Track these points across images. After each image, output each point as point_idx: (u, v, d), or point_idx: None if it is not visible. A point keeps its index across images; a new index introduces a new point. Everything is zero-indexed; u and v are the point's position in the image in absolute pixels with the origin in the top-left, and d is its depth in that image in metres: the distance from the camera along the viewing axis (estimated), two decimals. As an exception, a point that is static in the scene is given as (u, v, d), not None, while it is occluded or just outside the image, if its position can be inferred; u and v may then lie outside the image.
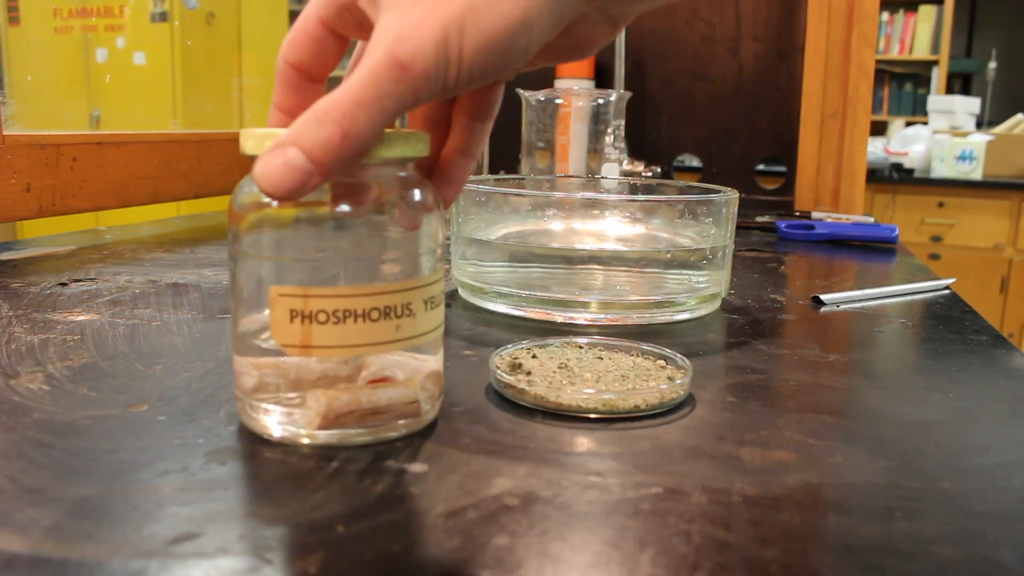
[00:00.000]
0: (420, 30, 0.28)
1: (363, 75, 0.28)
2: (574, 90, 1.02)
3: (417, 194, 0.33)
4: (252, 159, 0.33)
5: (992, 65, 3.49)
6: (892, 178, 2.77)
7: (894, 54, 3.47)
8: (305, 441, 0.28)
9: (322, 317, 0.27)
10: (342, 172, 0.28)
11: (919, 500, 0.25)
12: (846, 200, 1.07)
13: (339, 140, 0.28)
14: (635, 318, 0.47)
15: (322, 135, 0.28)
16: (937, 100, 3.19)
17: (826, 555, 0.23)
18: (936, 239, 2.75)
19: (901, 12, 3.46)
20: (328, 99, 0.28)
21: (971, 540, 0.23)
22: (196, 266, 0.59)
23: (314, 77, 0.33)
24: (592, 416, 0.32)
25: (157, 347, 0.38)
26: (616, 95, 0.94)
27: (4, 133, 0.62)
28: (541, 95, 0.93)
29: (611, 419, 0.32)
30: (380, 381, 0.30)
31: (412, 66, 0.28)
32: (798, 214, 0.98)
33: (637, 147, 1.23)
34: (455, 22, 0.28)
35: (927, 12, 3.43)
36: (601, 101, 0.94)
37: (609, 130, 0.94)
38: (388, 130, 0.31)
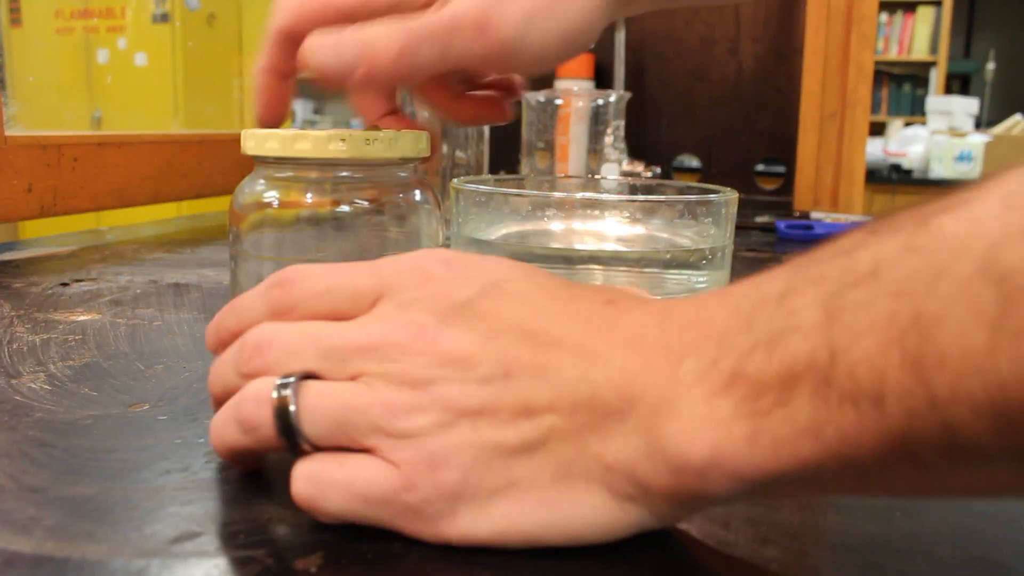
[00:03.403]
0: (512, 3, 0.30)
1: (446, 16, 0.30)
2: (574, 91, 1.02)
3: (417, 194, 0.33)
4: (254, 159, 0.33)
5: (990, 66, 3.49)
6: (891, 179, 2.77)
7: (893, 55, 3.47)
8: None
9: (323, 317, 0.27)
10: (377, 86, 0.30)
11: (919, 500, 0.25)
12: (845, 200, 1.07)
13: (396, 52, 0.29)
14: (635, 318, 0.47)
15: (385, 40, 0.29)
16: (936, 101, 3.19)
17: (826, 555, 0.23)
18: (936, 240, 2.75)
19: (900, 13, 3.46)
20: (403, 18, 0.29)
21: (971, 540, 0.23)
22: (197, 266, 0.59)
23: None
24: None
25: (158, 347, 0.39)
26: (616, 96, 0.94)
27: (6, 134, 0.62)
28: (541, 95, 0.93)
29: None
30: None
31: (494, 32, 0.30)
32: (797, 214, 0.98)
33: (637, 147, 1.23)
34: (541, 8, 0.31)
35: (926, 13, 3.43)
36: (601, 102, 0.94)
37: (609, 130, 0.94)
38: (390, 131, 0.31)
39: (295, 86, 0.34)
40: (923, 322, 0.15)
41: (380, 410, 0.21)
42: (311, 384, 0.22)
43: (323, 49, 0.29)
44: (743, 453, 0.18)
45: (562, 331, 0.22)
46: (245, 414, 0.23)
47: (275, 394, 0.22)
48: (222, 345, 0.26)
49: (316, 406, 0.22)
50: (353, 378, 0.22)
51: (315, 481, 0.21)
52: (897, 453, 0.16)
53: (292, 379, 0.22)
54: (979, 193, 0.17)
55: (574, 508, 0.21)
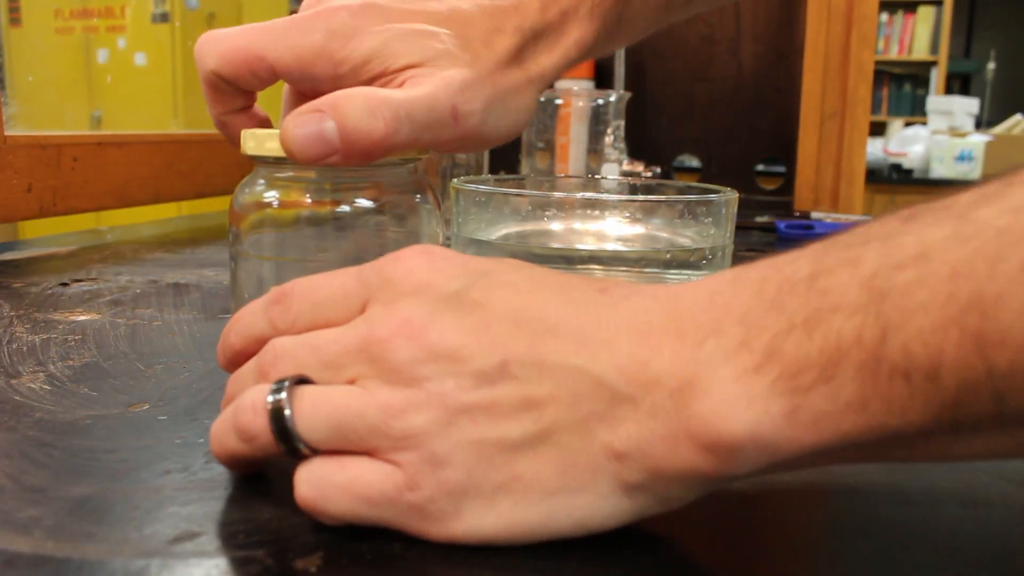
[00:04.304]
0: (479, 91, 0.32)
1: (424, 99, 0.30)
2: (574, 90, 1.02)
3: (418, 194, 0.33)
4: (253, 159, 0.33)
5: (991, 66, 3.49)
6: (891, 178, 2.78)
7: (893, 55, 3.48)
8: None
9: (323, 317, 0.27)
10: (356, 164, 0.30)
11: (919, 500, 0.25)
12: (845, 200, 1.07)
13: (378, 138, 0.29)
14: (635, 318, 0.47)
15: (366, 125, 0.29)
16: (936, 101, 3.19)
17: (826, 555, 0.23)
18: (936, 239, 2.75)
19: (900, 13, 3.46)
20: (381, 95, 0.30)
21: (971, 540, 0.23)
22: (197, 266, 0.59)
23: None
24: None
25: (158, 347, 0.39)
26: (616, 95, 0.94)
27: (5, 133, 0.62)
28: (541, 95, 0.93)
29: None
30: None
31: (463, 121, 0.32)
32: (797, 214, 0.98)
33: (637, 147, 1.23)
34: (499, 99, 0.33)
35: (926, 13, 3.43)
36: (601, 101, 0.94)
37: (609, 130, 0.94)
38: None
39: (254, 106, 0.35)
40: (984, 302, 0.17)
41: (376, 412, 0.21)
42: (304, 388, 0.22)
43: (303, 138, 0.29)
44: (781, 429, 0.19)
45: (557, 319, 0.21)
46: (243, 423, 0.23)
47: (270, 399, 0.22)
48: (232, 364, 0.27)
49: (312, 410, 0.22)
50: (352, 382, 0.22)
51: (317, 484, 0.21)
52: (942, 422, 0.18)
53: (285, 383, 0.22)
54: (1010, 188, 0.18)
55: (580, 499, 0.21)
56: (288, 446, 0.22)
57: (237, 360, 0.26)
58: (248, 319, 0.26)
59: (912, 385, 0.17)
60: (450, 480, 0.21)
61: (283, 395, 0.22)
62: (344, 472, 0.21)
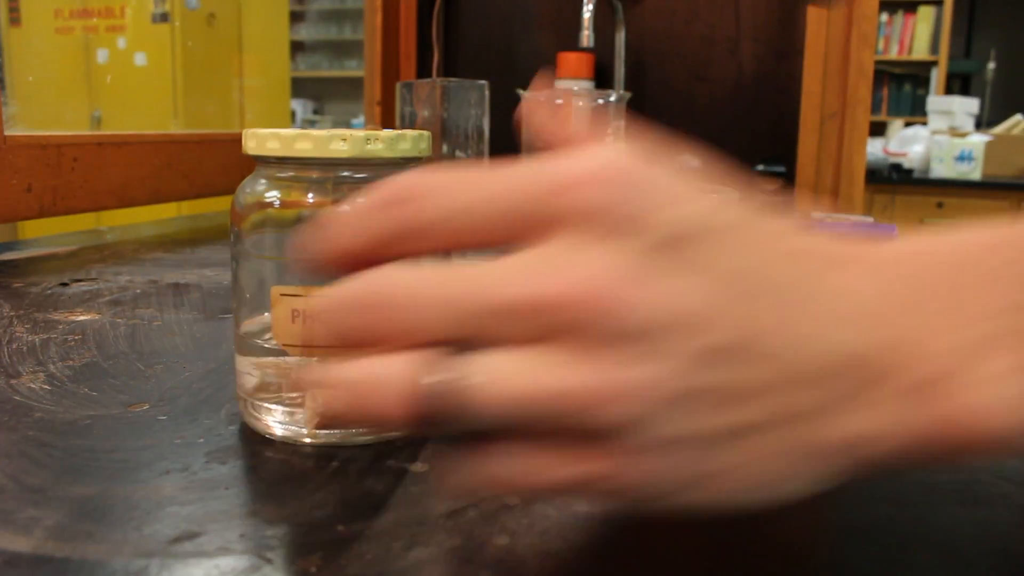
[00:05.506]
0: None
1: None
2: (574, 90, 1.02)
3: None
4: (255, 159, 0.33)
5: (991, 66, 3.49)
6: (891, 178, 2.77)
7: (893, 55, 3.47)
8: (307, 440, 0.28)
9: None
10: None
11: (919, 500, 0.25)
12: (845, 200, 1.07)
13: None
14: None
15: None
16: (936, 101, 3.19)
17: (826, 554, 0.23)
18: (936, 240, 2.75)
19: (900, 13, 3.46)
20: None
21: (971, 540, 0.23)
22: (197, 266, 0.59)
23: None
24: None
25: (158, 347, 0.39)
26: (616, 95, 0.94)
27: (5, 133, 0.62)
28: (541, 95, 0.93)
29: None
30: None
31: None
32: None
33: (637, 148, 1.23)
34: None
35: (926, 13, 3.43)
36: (601, 101, 0.94)
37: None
38: (391, 130, 0.31)
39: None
40: None
41: (575, 401, 0.17)
42: (478, 361, 0.17)
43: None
44: None
45: (799, 290, 0.18)
46: (380, 405, 0.17)
47: (436, 379, 0.17)
48: (333, 263, 0.20)
49: (491, 393, 0.17)
50: (530, 343, 0.17)
51: (507, 471, 0.18)
52: None
53: (451, 361, 0.17)
54: None
55: (788, 486, 0.19)
56: (451, 432, 0.17)
57: (343, 261, 0.19)
58: (357, 217, 0.19)
59: None
60: (653, 471, 0.17)
61: (453, 375, 0.17)
62: (532, 461, 0.18)
